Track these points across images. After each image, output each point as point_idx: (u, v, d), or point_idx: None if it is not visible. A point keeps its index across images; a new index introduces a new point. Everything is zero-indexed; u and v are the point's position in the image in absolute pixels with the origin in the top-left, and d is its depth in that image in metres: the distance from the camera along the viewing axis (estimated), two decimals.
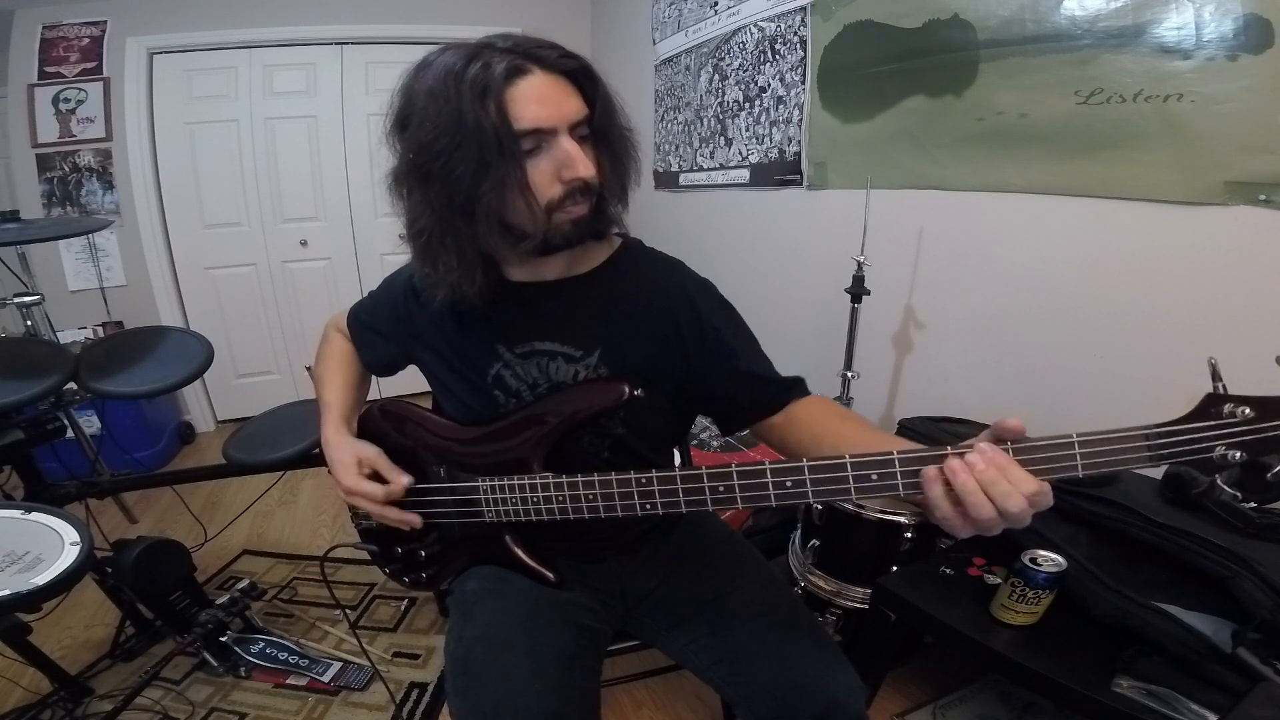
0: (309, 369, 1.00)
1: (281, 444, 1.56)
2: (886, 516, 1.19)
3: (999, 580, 0.99)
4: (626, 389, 0.71)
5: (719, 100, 2.20)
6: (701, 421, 1.88)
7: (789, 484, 0.58)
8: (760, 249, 2.17)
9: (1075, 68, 1.18)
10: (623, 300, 0.78)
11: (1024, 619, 0.92)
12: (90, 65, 2.56)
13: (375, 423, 0.88)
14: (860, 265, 1.48)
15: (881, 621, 1.08)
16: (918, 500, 0.54)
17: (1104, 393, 1.25)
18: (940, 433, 1.33)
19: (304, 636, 1.58)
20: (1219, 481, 0.89)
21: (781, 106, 1.93)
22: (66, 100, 2.56)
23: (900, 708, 1.28)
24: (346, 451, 0.81)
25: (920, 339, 1.67)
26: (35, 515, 1.08)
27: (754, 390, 0.77)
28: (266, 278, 2.99)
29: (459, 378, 0.82)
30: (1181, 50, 1.04)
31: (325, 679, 1.42)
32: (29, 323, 1.73)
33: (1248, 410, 0.46)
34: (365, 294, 0.96)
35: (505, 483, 0.74)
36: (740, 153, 2.15)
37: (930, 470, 0.52)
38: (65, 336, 2.37)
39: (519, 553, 0.80)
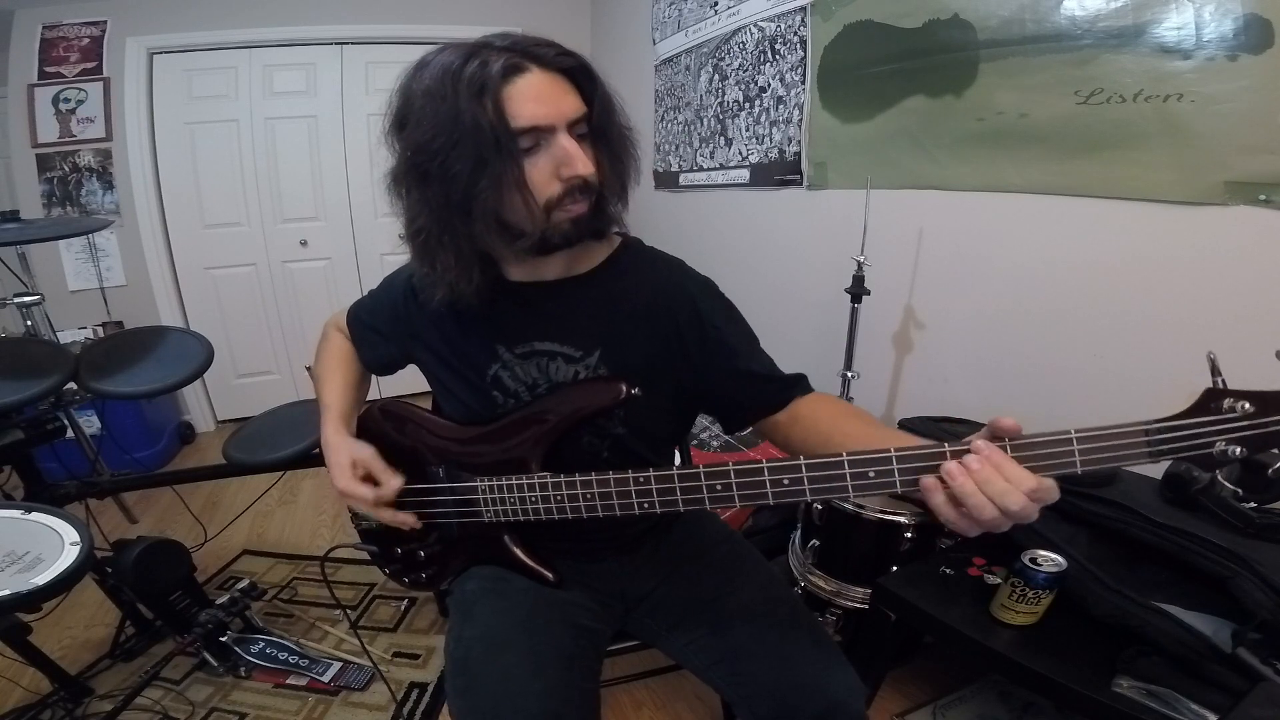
0: (309, 369, 1.00)
1: (281, 444, 1.56)
2: (886, 516, 1.19)
3: (999, 580, 0.99)
4: (624, 388, 0.71)
5: (719, 100, 2.20)
6: (702, 421, 1.89)
7: (786, 482, 0.58)
8: (760, 249, 2.17)
9: (1075, 68, 1.18)
10: (623, 300, 0.78)
11: (1024, 619, 0.92)
12: (90, 65, 2.56)
13: (375, 423, 0.88)
14: (860, 265, 1.48)
15: (881, 621, 1.08)
16: (917, 499, 0.54)
17: (1104, 393, 1.25)
18: (940, 433, 1.33)
19: (304, 636, 1.58)
20: (1219, 478, 0.89)
21: (781, 106, 1.93)
22: (66, 100, 2.56)
23: (900, 708, 1.28)
24: (343, 453, 0.81)
25: (920, 339, 1.67)
26: (35, 515, 1.08)
27: (756, 389, 0.77)
28: (266, 278, 2.99)
29: (458, 378, 0.82)
30: (1181, 50, 1.04)
31: (325, 679, 1.42)
32: (29, 323, 1.73)
33: (1247, 405, 0.45)
34: (365, 293, 0.96)
35: (503, 482, 0.74)
36: (740, 153, 2.15)
37: (928, 480, 0.52)
38: (65, 336, 2.37)
39: (518, 553, 0.80)
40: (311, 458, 1.53)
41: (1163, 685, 0.79)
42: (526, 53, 0.63)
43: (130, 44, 2.57)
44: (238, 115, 2.78)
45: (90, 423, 2.12)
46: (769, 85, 1.96)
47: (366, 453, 0.81)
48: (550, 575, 0.79)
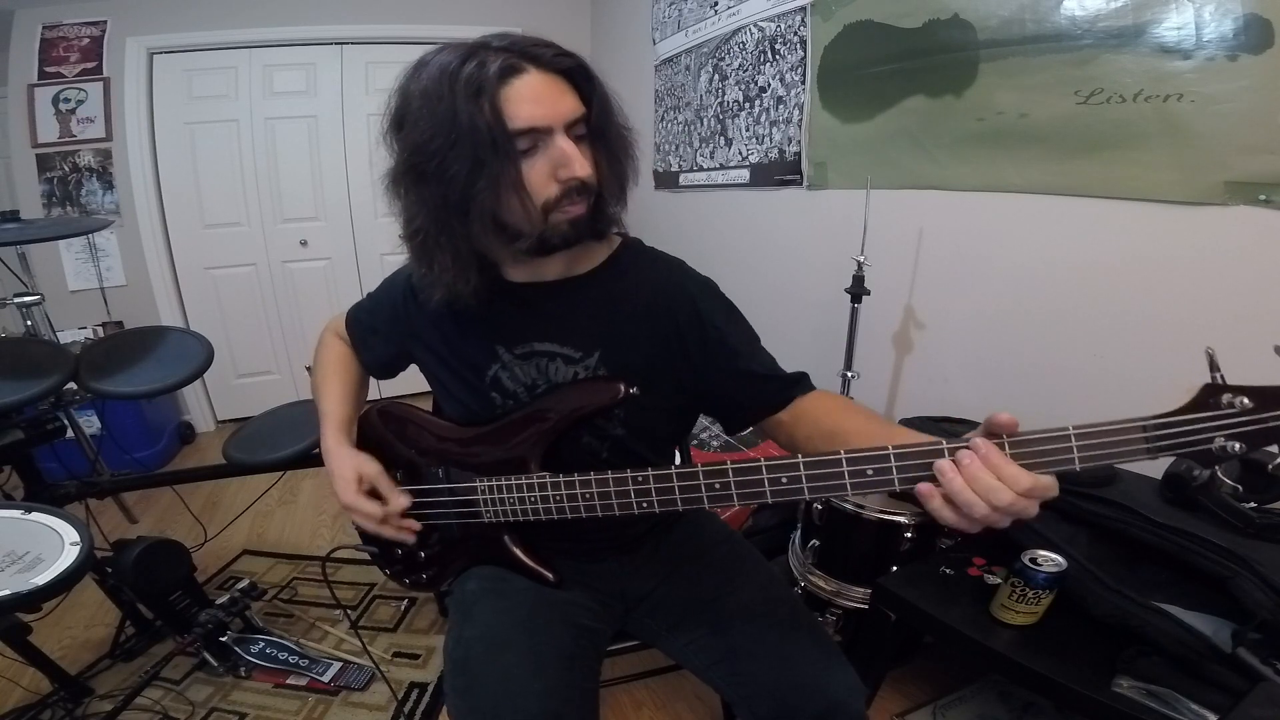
0: (309, 369, 1.00)
1: (281, 444, 1.56)
2: (886, 516, 1.19)
3: (999, 580, 0.98)
4: (622, 387, 0.70)
5: (719, 100, 2.20)
6: (702, 421, 1.89)
7: (784, 480, 0.58)
8: (760, 249, 2.17)
9: (1075, 68, 1.18)
10: (623, 300, 0.78)
11: (1024, 619, 0.92)
12: (90, 65, 2.56)
13: (374, 425, 0.88)
14: (860, 265, 1.48)
15: (881, 621, 1.08)
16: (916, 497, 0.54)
17: (1104, 393, 1.25)
18: (940, 433, 1.33)
19: (304, 636, 1.58)
20: (1219, 474, 0.89)
21: (781, 106, 1.93)
22: (66, 100, 2.56)
23: (900, 708, 1.28)
24: (347, 465, 0.81)
25: (920, 339, 1.67)
26: (35, 515, 1.08)
27: (757, 389, 0.77)
28: (266, 278, 2.99)
29: (457, 378, 0.81)
30: (1181, 50, 1.04)
31: (325, 679, 1.42)
32: (29, 323, 1.73)
33: (1246, 400, 0.45)
34: (365, 295, 0.96)
35: (502, 483, 0.74)
36: (740, 153, 2.15)
37: (923, 486, 0.52)
38: (65, 336, 2.37)
39: (518, 553, 0.80)
40: (311, 458, 1.53)
41: (1163, 685, 0.79)
42: (524, 53, 0.63)
43: (130, 44, 2.57)
44: (238, 115, 2.78)
45: (90, 423, 2.12)
46: (769, 85, 1.96)
47: (373, 469, 0.81)
48: (550, 575, 0.79)
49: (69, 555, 0.98)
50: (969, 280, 1.50)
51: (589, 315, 0.77)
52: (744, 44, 2.04)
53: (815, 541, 1.32)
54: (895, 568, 1.18)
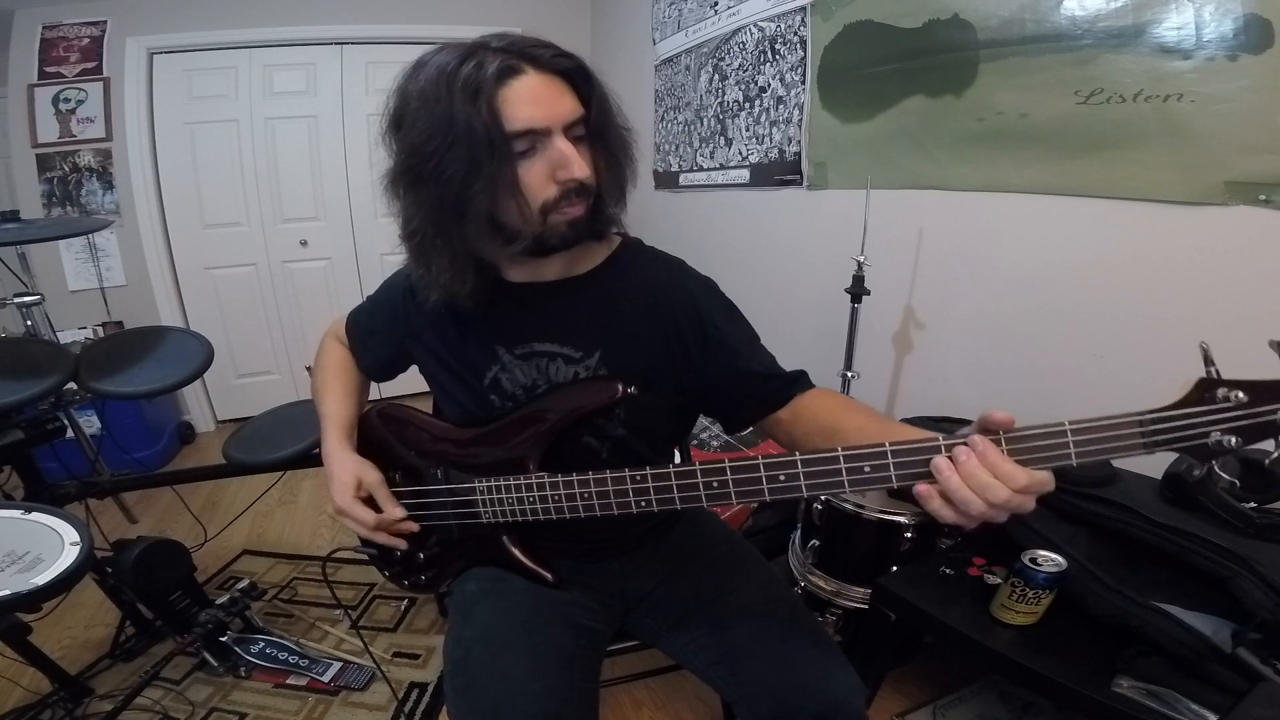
0: (309, 369, 1.00)
1: (281, 444, 1.56)
2: (886, 516, 1.19)
3: (999, 580, 0.98)
4: (621, 387, 0.70)
5: (719, 100, 2.20)
6: (702, 421, 1.89)
7: (782, 478, 0.58)
8: (760, 249, 2.17)
9: (1075, 68, 1.18)
10: (623, 300, 0.78)
11: (1024, 619, 0.92)
12: (90, 65, 2.56)
13: (373, 426, 0.88)
14: (860, 265, 1.47)
15: (881, 621, 1.08)
16: (912, 495, 0.54)
17: (1104, 392, 1.25)
18: (940, 433, 1.33)
19: (304, 636, 1.58)
20: (1216, 469, 0.89)
21: (781, 106, 1.93)
22: (66, 100, 2.56)
23: (900, 708, 1.28)
24: (348, 470, 0.81)
25: (920, 339, 1.67)
26: (35, 515, 1.08)
27: (756, 388, 0.77)
28: (266, 278, 2.99)
29: (456, 379, 0.81)
30: (1181, 50, 1.04)
31: (325, 679, 1.42)
32: (29, 323, 1.73)
33: (1240, 394, 0.45)
34: (365, 296, 0.96)
35: (501, 483, 0.74)
36: (740, 153, 2.15)
37: (922, 488, 0.52)
38: (65, 336, 2.37)
39: (517, 553, 0.80)
40: (311, 458, 1.53)
41: (1163, 685, 0.79)
42: (523, 54, 0.63)
43: (130, 44, 2.57)
44: (238, 115, 2.78)
45: (90, 423, 2.12)
46: (769, 85, 1.96)
47: (373, 476, 0.81)
48: (549, 575, 0.79)
49: (69, 555, 0.98)
50: (969, 280, 1.50)
51: (589, 315, 0.77)
52: (744, 44, 2.04)
53: (815, 541, 1.32)
54: (895, 568, 1.18)
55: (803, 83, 1.82)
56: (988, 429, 0.51)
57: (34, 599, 0.91)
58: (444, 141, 0.62)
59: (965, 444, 0.51)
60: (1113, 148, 1.16)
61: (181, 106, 2.70)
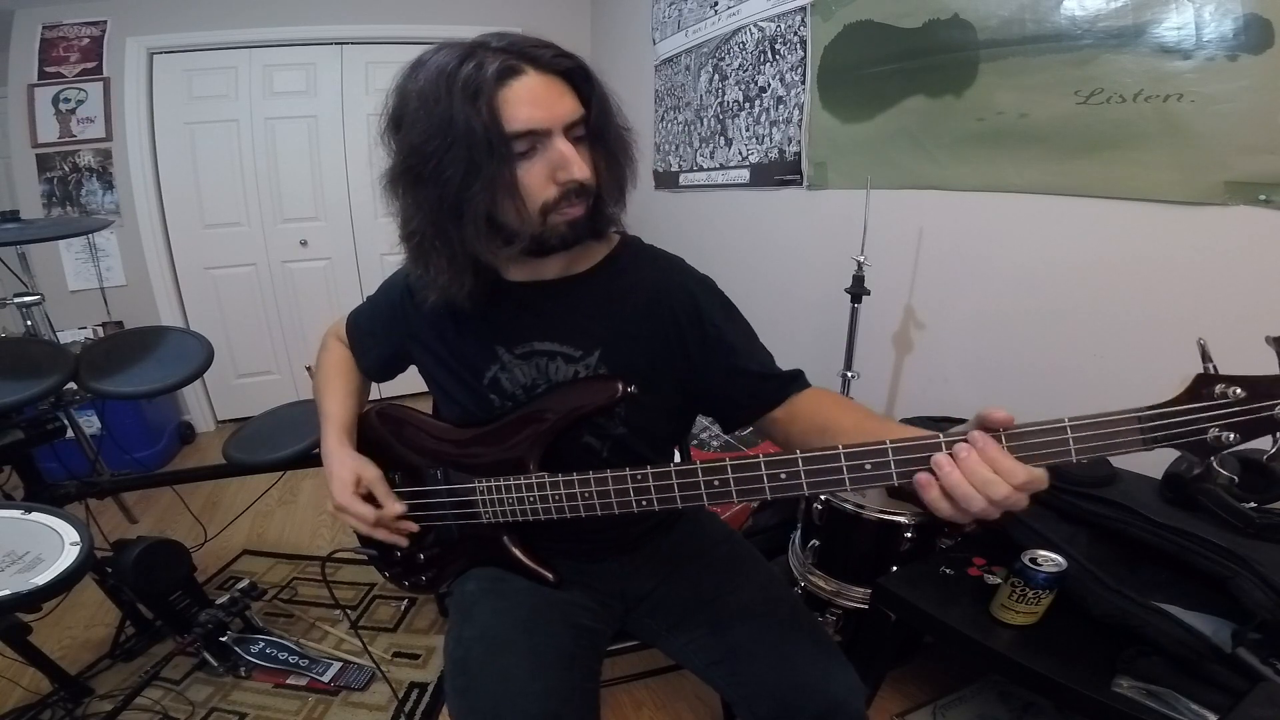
0: (309, 369, 1.00)
1: (281, 444, 1.56)
2: (886, 516, 1.19)
3: (999, 580, 0.98)
4: (620, 386, 0.70)
5: (719, 100, 2.20)
6: (702, 421, 1.89)
7: (783, 476, 0.58)
8: (760, 249, 2.17)
9: (1075, 68, 1.18)
10: (623, 299, 0.78)
11: (1024, 619, 0.92)
12: (90, 65, 2.56)
13: (373, 426, 0.88)
14: (860, 265, 1.47)
15: (881, 621, 1.08)
16: (911, 492, 0.54)
17: (1104, 392, 1.25)
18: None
19: (304, 636, 1.58)
20: (1215, 465, 0.89)
21: (781, 106, 1.93)
22: (66, 100, 2.56)
23: (900, 708, 1.28)
24: (347, 467, 0.81)
25: (920, 339, 1.67)
26: (35, 515, 1.08)
27: (754, 387, 0.77)
28: (266, 278, 2.99)
29: (455, 379, 0.81)
30: (1181, 50, 1.04)
31: (325, 679, 1.42)
32: (29, 323, 1.73)
33: (1239, 390, 0.45)
34: (364, 296, 0.96)
35: (501, 483, 0.74)
36: (740, 153, 2.15)
37: (922, 476, 0.52)
38: (65, 336, 2.37)
39: (517, 553, 0.80)
40: (311, 458, 1.53)
41: (1163, 685, 0.79)
42: (523, 54, 0.63)
43: (130, 44, 2.57)
44: (238, 115, 2.77)
45: (90, 423, 2.12)
46: (769, 85, 1.96)
47: (372, 473, 0.81)
48: (549, 575, 0.79)
49: (69, 555, 0.98)
50: (969, 280, 1.50)
51: (589, 314, 0.77)
52: (744, 44, 2.04)
53: (815, 541, 1.32)
54: (895, 568, 1.17)
55: (803, 83, 1.82)
56: (986, 427, 0.51)
57: (34, 599, 0.91)
58: (443, 142, 0.61)
59: (966, 440, 0.51)
60: (1113, 148, 1.16)
61: (181, 106, 2.70)
